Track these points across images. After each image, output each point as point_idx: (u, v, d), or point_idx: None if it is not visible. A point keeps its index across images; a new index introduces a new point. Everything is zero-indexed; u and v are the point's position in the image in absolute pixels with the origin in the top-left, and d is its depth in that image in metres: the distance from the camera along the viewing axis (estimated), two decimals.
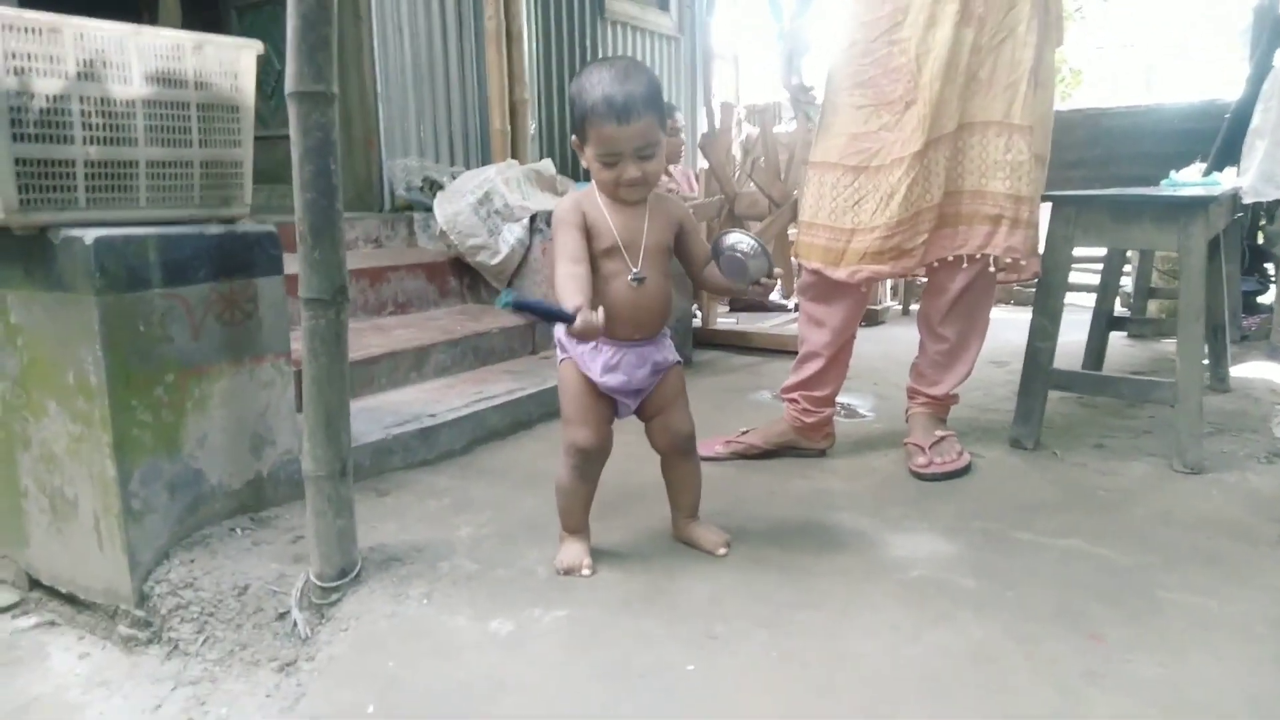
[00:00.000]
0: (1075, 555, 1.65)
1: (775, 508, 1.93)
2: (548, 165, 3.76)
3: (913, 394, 2.28)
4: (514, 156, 4.06)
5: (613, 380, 1.57)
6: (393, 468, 2.13)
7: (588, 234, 1.54)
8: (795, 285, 2.61)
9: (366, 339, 2.68)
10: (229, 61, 1.74)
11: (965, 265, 2.09)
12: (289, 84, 1.43)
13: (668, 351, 1.65)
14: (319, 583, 1.52)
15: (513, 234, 3.32)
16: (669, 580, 1.57)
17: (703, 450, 2.16)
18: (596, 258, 1.54)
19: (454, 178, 3.68)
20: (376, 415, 2.27)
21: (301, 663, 1.44)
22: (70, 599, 1.71)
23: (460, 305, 3.42)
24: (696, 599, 1.50)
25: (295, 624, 1.49)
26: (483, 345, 2.91)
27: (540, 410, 2.59)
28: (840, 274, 2.09)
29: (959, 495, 1.98)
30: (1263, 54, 3.94)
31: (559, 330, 1.62)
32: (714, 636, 1.38)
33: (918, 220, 2.03)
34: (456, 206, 3.34)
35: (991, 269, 2.10)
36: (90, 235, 1.50)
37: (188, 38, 1.67)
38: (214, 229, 1.70)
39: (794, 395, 2.25)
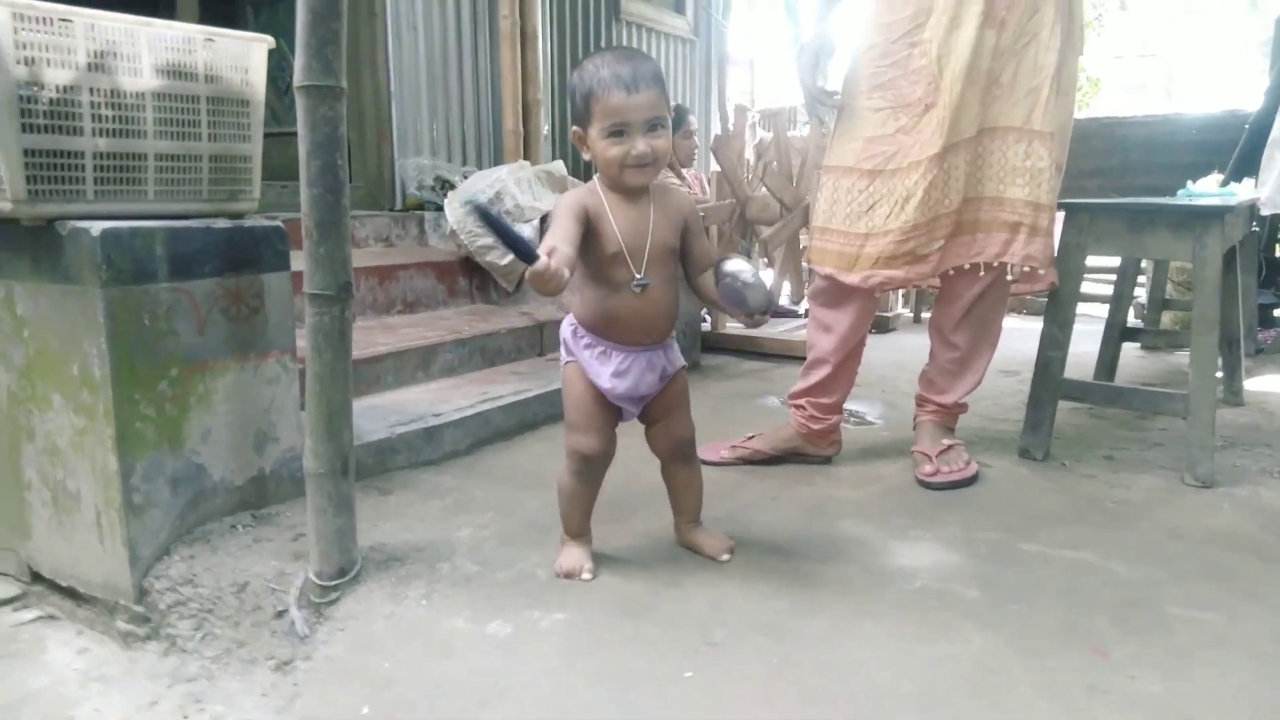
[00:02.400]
0: (1082, 568, 1.63)
1: (779, 514, 1.91)
2: (559, 166, 3.75)
3: (921, 402, 2.26)
4: (526, 157, 4.06)
5: (621, 387, 1.55)
6: (396, 466, 2.13)
7: (591, 235, 1.50)
8: (806, 291, 2.59)
9: (374, 337, 2.68)
10: (240, 56, 1.74)
11: (982, 273, 2.07)
12: (297, 77, 1.42)
13: (675, 356, 1.63)
14: (318, 581, 1.52)
15: (523, 234, 3.31)
16: (669, 585, 1.56)
17: (708, 455, 2.15)
18: (601, 264, 1.51)
19: (465, 177, 3.68)
20: (381, 414, 2.27)
21: (298, 662, 1.44)
22: (70, 593, 1.71)
23: (469, 305, 3.41)
24: (696, 605, 1.49)
25: (293, 623, 1.49)
26: (490, 345, 2.90)
27: (546, 412, 2.58)
28: (853, 279, 2.07)
29: (966, 505, 1.96)
30: None
31: (565, 331, 1.60)
32: (713, 643, 1.37)
33: (934, 225, 2.00)
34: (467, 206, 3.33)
35: (1008, 278, 2.08)
36: (97, 227, 1.50)
37: (199, 31, 1.67)
38: (221, 223, 1.70)
39: (801, 401, 2.23)
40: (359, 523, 1.58)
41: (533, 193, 3.44)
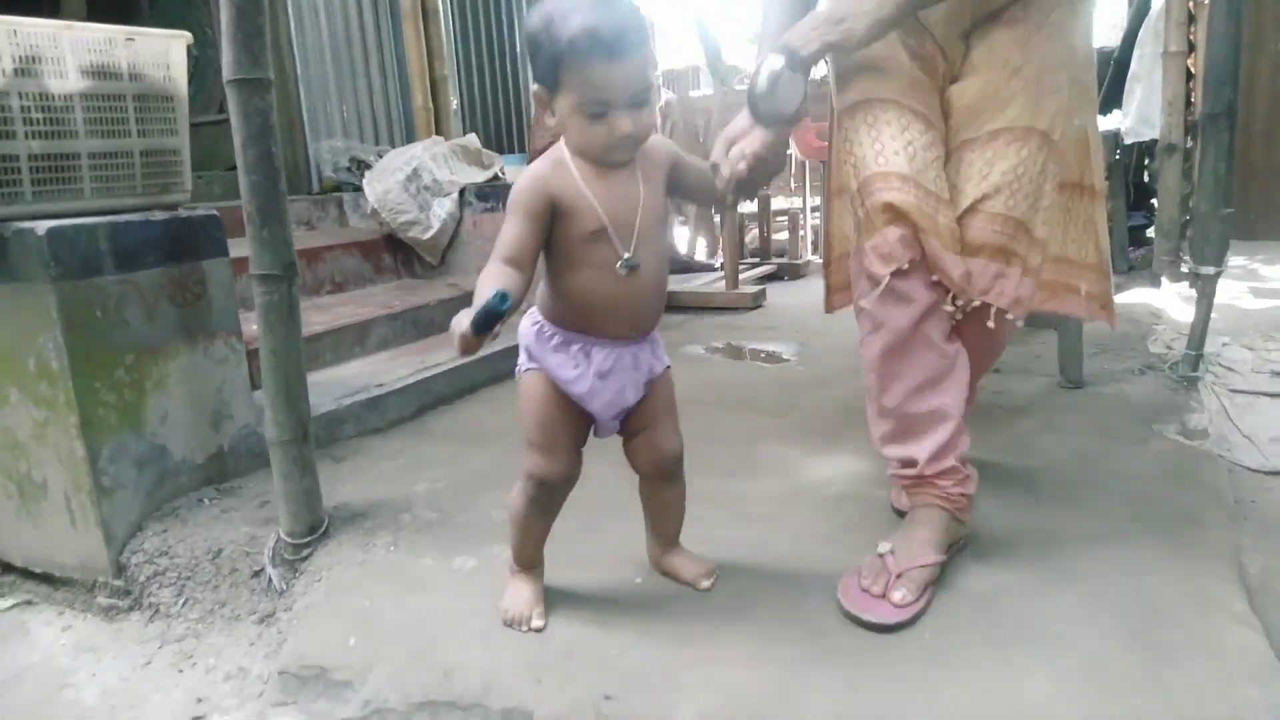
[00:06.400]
0: (974, 465, 1.85)
1: (711, 445, 2.08)
2: (473, 140, 3.84)
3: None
4: (438, 133, 4.12)
5: (605, 392, 1.29)
6: (346, 436, 2.24)
7: (561, 217, 1.22)
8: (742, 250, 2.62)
9: (309, 317, 2.75)
10: (160, 53, 1.80)
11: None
12: (226, 72, 1.51)
13: (660, 354, 1.37)
14: (290, 540, 1.64)
15: (443, 208, 3.41)
16: (620, 515, 1.70)
17: (882, 614, 1.31)
18: (576, 245, 1.23)
19: (380, 156, 3.73)
20: (326, 389, 2.37)
21: (280, 613, 1.57)
22: (45, 578, 1.79)
23: (396, 281, 3.50)
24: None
25: (270, 580, 1.61)
26: (422, 318, 3.00)
27: (485, 375, 2.71)
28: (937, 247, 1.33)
29: None
30: (1140, 1, 4.22)
31: (526, 333, 1.34)
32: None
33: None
34: (386, 184, 3.41)
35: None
36: (43, 227, 1.57)
37: (119, 32, 1.73)
38: (159, 216, 1.78)
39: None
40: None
41: (449, 167, 3.52)
